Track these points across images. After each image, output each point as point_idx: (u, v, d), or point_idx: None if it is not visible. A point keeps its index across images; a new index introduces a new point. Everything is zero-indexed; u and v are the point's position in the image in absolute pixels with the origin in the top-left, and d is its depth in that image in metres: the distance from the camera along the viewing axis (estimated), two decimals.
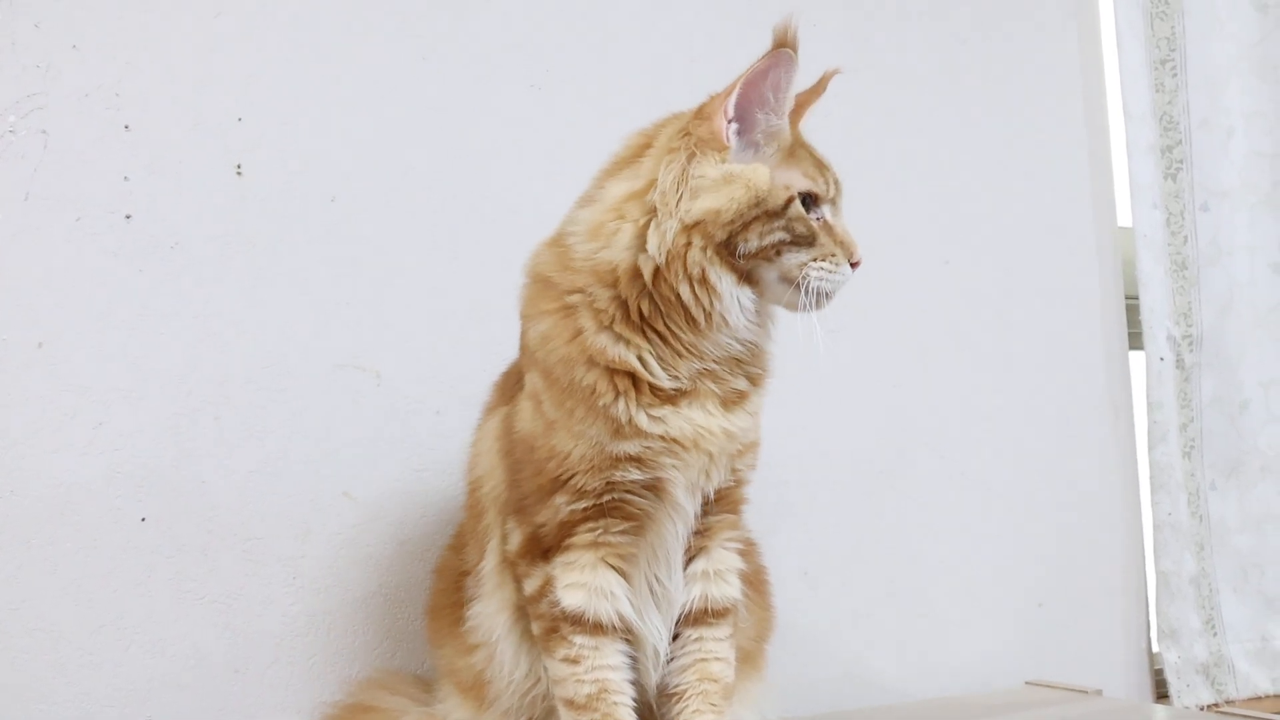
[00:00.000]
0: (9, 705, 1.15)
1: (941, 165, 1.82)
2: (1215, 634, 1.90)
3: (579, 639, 1.00)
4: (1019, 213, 1.88)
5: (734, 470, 1.06)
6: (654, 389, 0.99)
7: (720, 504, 1.07)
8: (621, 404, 0.98)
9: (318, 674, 1.29)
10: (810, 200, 1.01)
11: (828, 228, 1.02)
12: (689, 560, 1.07)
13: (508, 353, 1.21)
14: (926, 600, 1.71)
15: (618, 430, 0.99)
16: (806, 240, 1.00)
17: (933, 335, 1.77)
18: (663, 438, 0.99)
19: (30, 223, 1.20)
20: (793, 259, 0.99)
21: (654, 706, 1.07)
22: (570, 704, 1.01)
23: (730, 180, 0.98)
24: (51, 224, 1.21)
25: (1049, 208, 1.92)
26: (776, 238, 0.99)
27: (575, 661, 1.00)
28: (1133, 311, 1.95)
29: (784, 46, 0.97)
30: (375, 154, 1.38)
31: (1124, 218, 1.98)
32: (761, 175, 0.99)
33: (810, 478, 1.64)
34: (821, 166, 1.04)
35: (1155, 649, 1.90)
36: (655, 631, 1.05)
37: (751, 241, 0.98)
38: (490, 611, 1.10)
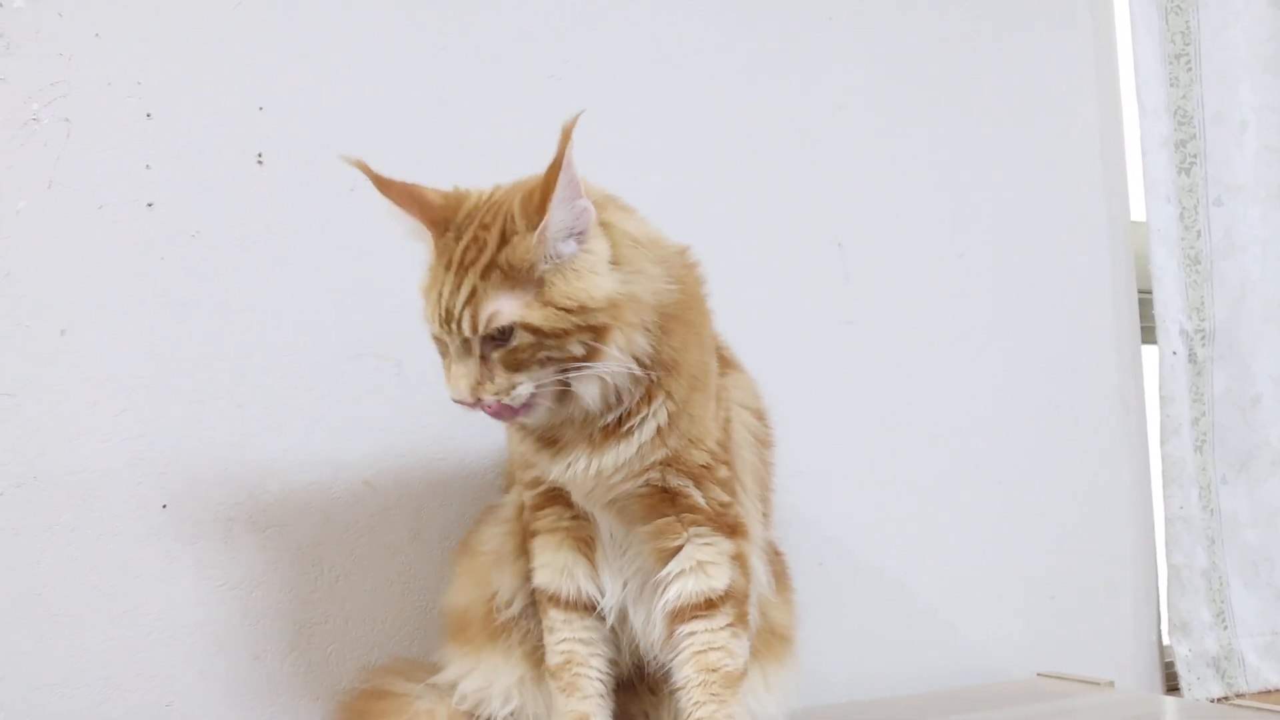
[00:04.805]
0: (31, 689, 1.16)
1: (956, 159, 1.82)
2: (1226, 627, 1.90)
3: (553, 611, 1.08)
4: (1033, 207, 1.88)
5: (665, 479, 1.02)
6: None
7: (675, 504, 1.04)
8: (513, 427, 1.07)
9: (336, 661, 1.30)
10: None
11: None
12: (668, 559, 1.05)
13: None
14: (940, 592, 1.72)
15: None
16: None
17: (946, 327, 1.78)
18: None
19: (53, 210, 1.21)
20: None
21: (638, 677, 1.14)
22: (548, 671, 1.08)
23: None
24: (74, 212, 1.22)
25: (1063, 202, 1.92)
26: None
27: (551, 631, 1.08)
28: (1145, 305, 1.95)
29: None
30: (395, 144, 1.39)
31: (1137, 212, 1.98)
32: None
33: (824, 469, 1.64)
34: (430, 293, 0.99)
35: (1166, 642, 1.91)
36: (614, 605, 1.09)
37: None
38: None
